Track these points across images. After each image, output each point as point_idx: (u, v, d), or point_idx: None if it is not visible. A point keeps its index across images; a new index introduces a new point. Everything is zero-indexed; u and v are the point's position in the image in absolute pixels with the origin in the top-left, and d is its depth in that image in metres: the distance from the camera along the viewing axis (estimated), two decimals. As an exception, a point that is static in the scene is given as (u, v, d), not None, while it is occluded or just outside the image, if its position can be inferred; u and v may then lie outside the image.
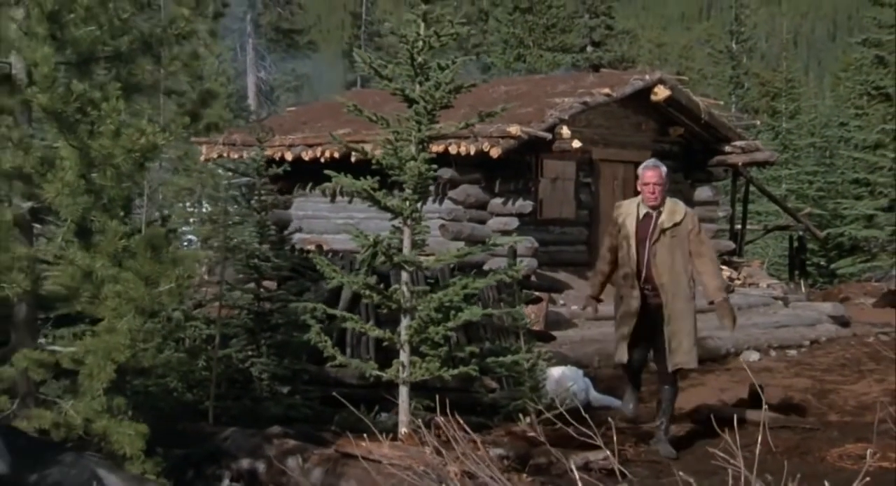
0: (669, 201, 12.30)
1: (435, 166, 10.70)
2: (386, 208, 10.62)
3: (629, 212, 12.36)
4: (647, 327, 12.31)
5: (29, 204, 9.16)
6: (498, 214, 22.85)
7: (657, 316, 12.26)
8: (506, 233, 21.69)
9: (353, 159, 20.79)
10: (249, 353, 13.23)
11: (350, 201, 24.83)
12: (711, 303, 12.52)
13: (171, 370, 11.45)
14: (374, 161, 10.60)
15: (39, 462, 7.35)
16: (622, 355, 12.43)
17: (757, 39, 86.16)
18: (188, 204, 30.00)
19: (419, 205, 10.79)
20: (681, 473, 7.48)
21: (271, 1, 57.89)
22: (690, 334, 12.25)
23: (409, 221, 10.74)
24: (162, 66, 9.85)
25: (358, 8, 72.68)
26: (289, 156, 23.16)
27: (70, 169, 8.35)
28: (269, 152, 22.41)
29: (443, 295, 10.70)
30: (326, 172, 10.81)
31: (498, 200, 22.88)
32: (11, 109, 9.25)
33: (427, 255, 11.57)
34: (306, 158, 23.41)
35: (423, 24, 10.50)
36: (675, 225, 12.12)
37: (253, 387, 13.05)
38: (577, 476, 6.85)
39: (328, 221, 24.63)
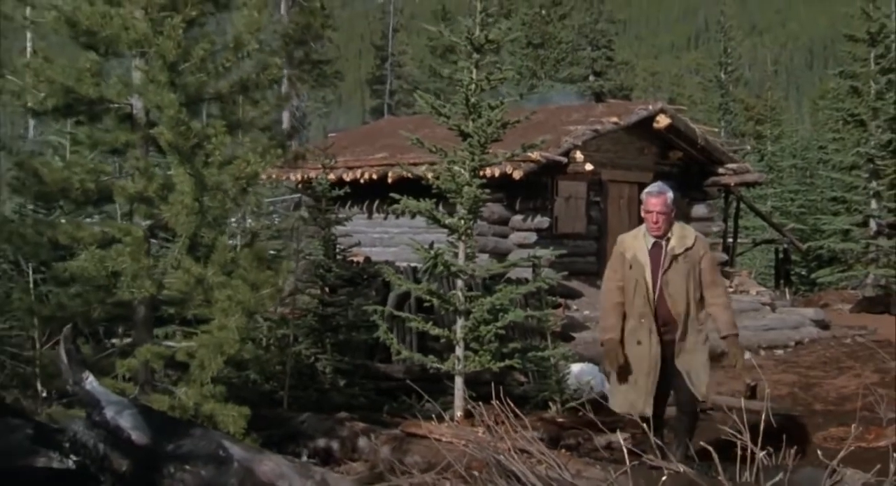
0: (677, 226, 10.52)
1: (488, 190, 11.48)
2: (444, 226, 11.38)
3: (636, 245, 10.50)
4: (665, 370, 10.42)
5: (148, 222, 9.92)
6: (518, 229, 23.46)
7: (669, 352, 10.40)
8: (525, 246, 22.41)
9: (389, 181, 21.54)
10: (315, 350, 13.95)
11: (385, 218, 25.58)
12: (724, 337, 10.54)
13: (256, 364, 11.98)
14: (434, 185, 11.36)
15: (174, 435, 7.80)
16: (645, 407, 10.36)
17: (742, 69, 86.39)
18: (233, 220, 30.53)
19: (472, 223, 11.54)
20: (701, 443, 8.26)
21: (304, 35, 58.33)
22: (706, 367, 10.48)
23: (463, 237, 11.50)
24: (257, 106, 10.59)
25: (379, 40, 73.11)
26: (331, 177, 23.74)
27: (188, 193, 9.12)
28: (312, 175, 23.18)
29: (494, 299, 11.46)
30: (392, 195, 11.61)
31: (518, 217, 23.49)
32: (133, 143, 10.02)
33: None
34: (347, 179, 24.01)
35: (475, 70, 11.30)
36: (687, 250, 10.33)
37: (319, 379, 13.73)
38: (625, 450, 7.57)
39: (365, 235, 25.28)
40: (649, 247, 10.40)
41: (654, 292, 10.30)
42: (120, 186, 9.72)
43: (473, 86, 11.20)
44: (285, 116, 55.54)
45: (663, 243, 10.35)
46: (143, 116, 10.04)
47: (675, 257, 10.29)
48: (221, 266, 9.24)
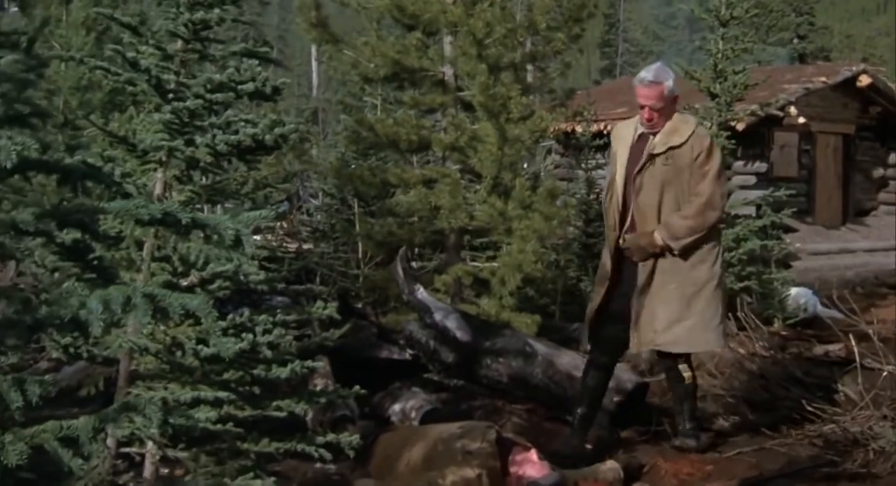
0: (677, 118, 7.01)
1: (733, 141, 11.85)
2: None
3: (624, 135, 7.13)
4: (625, 295, 7.04)
5: (458, 167, 10.62)
6: (740, 173, 23.54)
7: (631, 275, 7.01)
8: (745, 188, 22.57)
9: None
10: (579, 272, 14.50)
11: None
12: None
13: (538, 282, 12.48)
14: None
15: (488, 334, 8.46)
16: (586, 340, 7.51)
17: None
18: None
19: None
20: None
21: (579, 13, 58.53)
22: (672, 304, 6.88)
23: (714, 179, 11.93)
24: (544, 73, 11.18)
25: (607, 9, 72.74)
26: (579, 129, 24.17)
27: (493, 144, 9.78)
28: (563, 126, 23.62)
29: (738, 229, 11.86)
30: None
31: (740, 162, 23.56)
32: (446, 103, 10.73)
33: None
34: (592, 131, 24.35)
35: (721, 41, 11.68)
36: (671, 148, 6.85)
37: (581, 296, 14.27)
38: (856, 351, 7.96)
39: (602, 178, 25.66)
40: (635, 139, 7.03)
41: (621, 194, 7.01)
42: (437, 138, 10.44)
43: (720, 55, 11.58)
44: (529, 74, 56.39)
45: (650, 136, 6.95)
46: (452, 81, 10.74)
47: (652, 157, 6.89)
48: (520, 202, 9.85)
